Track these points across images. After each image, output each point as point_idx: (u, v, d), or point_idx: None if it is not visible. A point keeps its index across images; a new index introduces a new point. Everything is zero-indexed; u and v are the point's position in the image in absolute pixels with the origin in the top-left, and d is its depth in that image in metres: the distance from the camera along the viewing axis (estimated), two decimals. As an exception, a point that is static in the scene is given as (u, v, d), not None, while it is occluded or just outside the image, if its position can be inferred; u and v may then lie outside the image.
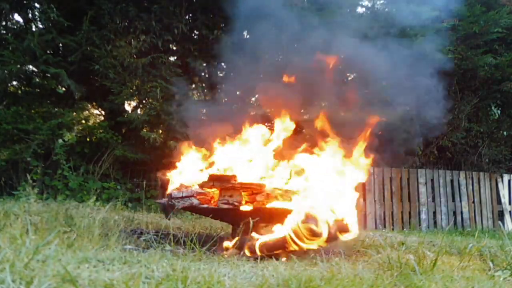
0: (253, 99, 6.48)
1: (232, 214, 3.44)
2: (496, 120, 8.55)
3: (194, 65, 7.23)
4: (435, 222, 7.20)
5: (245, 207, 3.31)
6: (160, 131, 6.99)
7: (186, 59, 7.28)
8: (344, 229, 2.96)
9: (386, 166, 7.22)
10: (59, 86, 6.83)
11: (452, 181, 7.47)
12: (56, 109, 6.86)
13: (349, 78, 6.16)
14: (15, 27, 7.55)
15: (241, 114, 4.80)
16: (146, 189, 6.61)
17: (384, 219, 6.92)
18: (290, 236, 2.88)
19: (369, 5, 6.85)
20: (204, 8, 7.37)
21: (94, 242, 2.76)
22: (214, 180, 3.50)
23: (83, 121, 7.63)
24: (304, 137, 4.70)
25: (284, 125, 4.12)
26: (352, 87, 5.39)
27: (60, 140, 6.23)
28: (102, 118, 7.90)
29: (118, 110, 7.16)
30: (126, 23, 6.90)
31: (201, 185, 3.55)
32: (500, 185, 7.80)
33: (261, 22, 4.68)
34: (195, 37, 7.80)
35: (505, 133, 8.39)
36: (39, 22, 7.31)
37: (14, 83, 7.38)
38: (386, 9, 6.43)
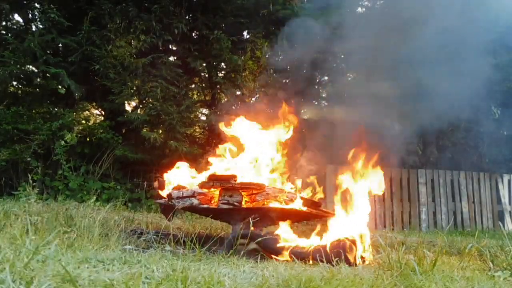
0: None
1: (232, 214, 3.44)
2: (496, 120, 8.53)
3: (195, 65, 7.24)
4: (435, 222, 7.19)
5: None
6: (160, 131, 6.99)
7: (186, 59, 7.29)
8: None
9: (386, 166, 7.22)
10: (60, 87, 6.83)
11: (452, 181, 7.47)
12: (56, 109, 6.87)
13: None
14: (15, 27, 7.56)
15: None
16: (146, 189, 6.61)
17: (384, 219, 6.92)
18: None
19: None
20: (204, 8, 7.38)
21: (94, 242, 2.76)
22: (214, 180, 3.50)
23: (83, 121, 7.63)
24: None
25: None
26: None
27: (62, 142, 6.23)
28: (102, 118, 7.90)
29: (118, 110, 7.16)
30: (126, 23, 6.91)
31: (201, 185, 3.54)
32: (500, 185, 7.79)
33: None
34: (195, 37, 7.81)
35: (505, 133, 8.38)
36: (39, 22, 7.32)
37: (14, 83, 7.38)
38: None
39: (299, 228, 4.48)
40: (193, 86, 8.33)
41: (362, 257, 3.05)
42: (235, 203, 3.36)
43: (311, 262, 2.84)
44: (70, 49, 6.74)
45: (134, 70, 6.80)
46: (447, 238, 4.81)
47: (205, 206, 3.46)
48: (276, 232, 3.16)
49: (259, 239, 2.96)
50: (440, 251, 2.81)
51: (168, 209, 3.56)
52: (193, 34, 7.80)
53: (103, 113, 8.03)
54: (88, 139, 7.10)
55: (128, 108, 7.74)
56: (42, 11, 6.73)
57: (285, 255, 2.97)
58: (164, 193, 3.72)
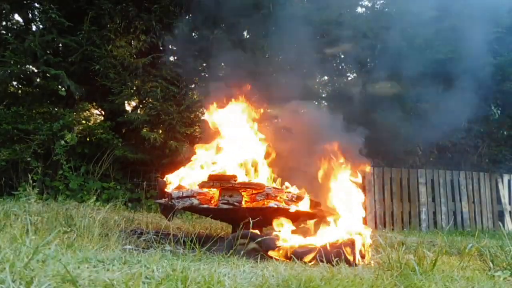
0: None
1: (232, 214, 3.44)
2: (496, 120, 8.52)
3: (195, 65, 7.24)
4: (435, 222, 7.19)
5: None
6: (160, 131, 6.99)
7: (186, 59, 7.29)
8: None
9: (386, 166, 7.22)
10: (59, 87, 6.83)
11: (452, 181, 7.47)
12: (56, 110, 6.87)
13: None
14: (16, 27, 7.56)
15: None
16: (146, 189, 6.61)
17: (384, 219, 6.92)
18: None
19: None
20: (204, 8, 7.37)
21: (94, 242, 2.76)
22: (214, 180, 3.50)
23: (84, 121, 7.63)
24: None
25: None
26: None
27: (62, 142, 6.23)
28: (102, 118, 7.90)
29: (118, 110, 7.16)
30: (126, 23, 6.91)
31: (201, 185, 3.54)
32: (500, 185, 7.79)
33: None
34: (195, 37, 7.81)
35: (505, 133, 8.38)
36: (39, 22, 7.32)
37: (14, 83, 7.38)
38: None
39: (298, 227, 4.48)
40: (193, 86, 8.33)
41: (362, 257, 3.05)
42: (235, 203, 3.36)
43: (311, 262, 2.85)
44: (70, 49, 6.74)
45: (134, 70, 6.79)
46: (447, 238, 4.81)
47: (205, 206, 3.46)
48: (275, 232, 3.16)
49: (259, 239, 2.96)
50: (440, 251, 2.81)
51: (168, 209, 3.56)
52: (193, 34, 7.79)
53: (103, 113, 8.03)
54: (88, 139, 7.10)
55: (128, 108, 7.74)
56: (42, 11, 6.72)
57: (285, 255, 2.97)
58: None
